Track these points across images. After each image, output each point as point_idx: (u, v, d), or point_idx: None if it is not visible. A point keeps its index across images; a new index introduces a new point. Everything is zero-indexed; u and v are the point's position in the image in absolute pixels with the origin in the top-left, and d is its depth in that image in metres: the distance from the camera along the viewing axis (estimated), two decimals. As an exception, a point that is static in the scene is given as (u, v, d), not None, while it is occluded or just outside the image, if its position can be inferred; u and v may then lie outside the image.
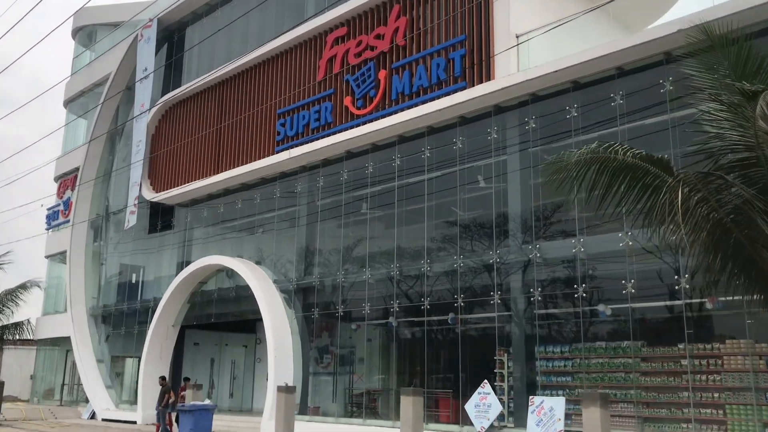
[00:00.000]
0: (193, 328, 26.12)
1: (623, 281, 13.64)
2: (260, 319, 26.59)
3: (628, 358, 15.10)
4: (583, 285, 14.25)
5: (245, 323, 27.26)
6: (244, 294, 22.62)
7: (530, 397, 15.06)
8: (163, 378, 21.44)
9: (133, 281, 29.38)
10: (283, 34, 22.03)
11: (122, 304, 28.38)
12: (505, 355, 16.86)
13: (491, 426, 15.03)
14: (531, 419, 14.77)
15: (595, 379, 15.08)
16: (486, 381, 15.49)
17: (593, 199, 9.35)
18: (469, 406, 15.61)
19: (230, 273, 23.88)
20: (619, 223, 13.67)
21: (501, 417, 15.29)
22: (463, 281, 16.45)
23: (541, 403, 14.92)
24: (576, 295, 14.33)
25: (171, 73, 28.55)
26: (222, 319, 23.90)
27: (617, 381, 14.64)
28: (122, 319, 28.15)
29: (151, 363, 24.65)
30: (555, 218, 15.35)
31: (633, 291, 13.51)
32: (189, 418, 14.59)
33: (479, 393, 15.46)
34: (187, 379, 20.86)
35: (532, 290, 15.02)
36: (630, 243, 13.49)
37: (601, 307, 14.45)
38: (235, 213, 23.84)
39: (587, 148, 9.41)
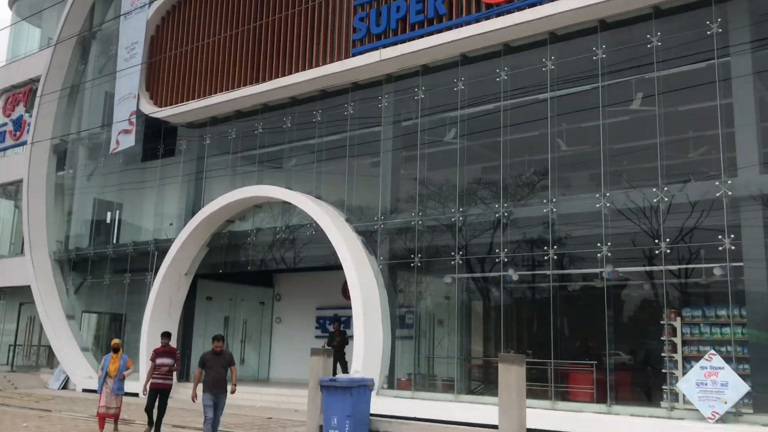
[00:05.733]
0: (205, 279, 20.99)
1: None
2: (279, 271, 22.08)
3: None
4: None
5: (261, 275, 22.49)
6: (299, 236, 17.91)
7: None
8: (166, 336, 13.68)
9: (117, 220, 23.75)
10: None
11: (105, 248, 22.70)
12: (678, 318, 13.22)
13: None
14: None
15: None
16: (714, 353, 11.73)
17: None
18: (687, 385, 11.82)
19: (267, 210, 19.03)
20: None
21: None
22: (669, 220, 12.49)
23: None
24: None
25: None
26: (263, 267, 18.98)
27: None
28: (105, 266, 22.49)
29: (158, 320, 19.43)
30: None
31: None
32: (344, 398, 9.76)
33: (703, 368, 11.67)
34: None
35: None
36: None
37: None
38: (281, 136, 18.79)
39: None
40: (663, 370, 12.77)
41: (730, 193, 11.79)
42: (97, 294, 22.92)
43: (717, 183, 11.91)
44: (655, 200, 12.48)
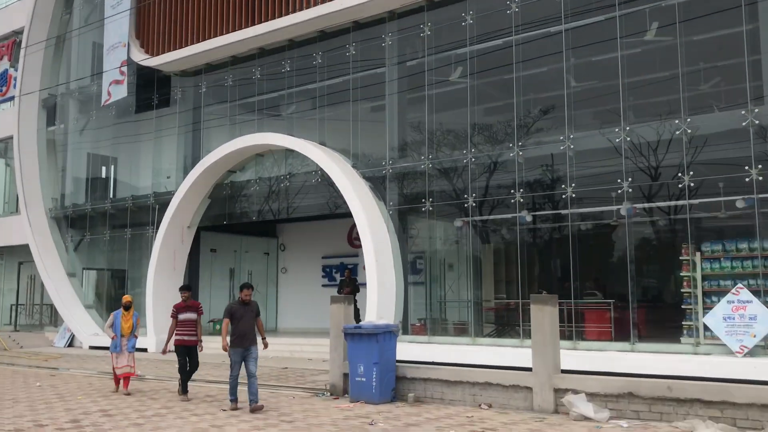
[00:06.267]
0: (209, 231, 20.60)
1: None
2: (282, 221, 21.68)
3: None
4: None
5: (265, 226, 22.12)
6: (303, 184, 17.46)
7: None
8: (187, 289, 13.06)
9: (113, 174, 23.19)
10: None
11: (103, 203, 22.19)
12: (698, 254, 12.93)
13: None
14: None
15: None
16: (741, 286, 11.50)
17: None
18: (713, 320, 11.63)
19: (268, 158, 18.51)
20: None
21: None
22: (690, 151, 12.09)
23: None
24: None
25: None
26: (266, 218, 18.57)
27: None
28: (103, 221, 22.03)
29: (162, 274, 19.12)
30: None
31: None
32: (370, 345, 9.46)
33: (730, 302, 11.47)
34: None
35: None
36: None
37: None
38: (280, 82, 18.12)
39: None
40: (683, 306, 12.59)
41: (757, 122, 11.39)
42: (98, 250, 22.52)
43: (743, 112, 11.49)
44: (677, 132, 12.07)
